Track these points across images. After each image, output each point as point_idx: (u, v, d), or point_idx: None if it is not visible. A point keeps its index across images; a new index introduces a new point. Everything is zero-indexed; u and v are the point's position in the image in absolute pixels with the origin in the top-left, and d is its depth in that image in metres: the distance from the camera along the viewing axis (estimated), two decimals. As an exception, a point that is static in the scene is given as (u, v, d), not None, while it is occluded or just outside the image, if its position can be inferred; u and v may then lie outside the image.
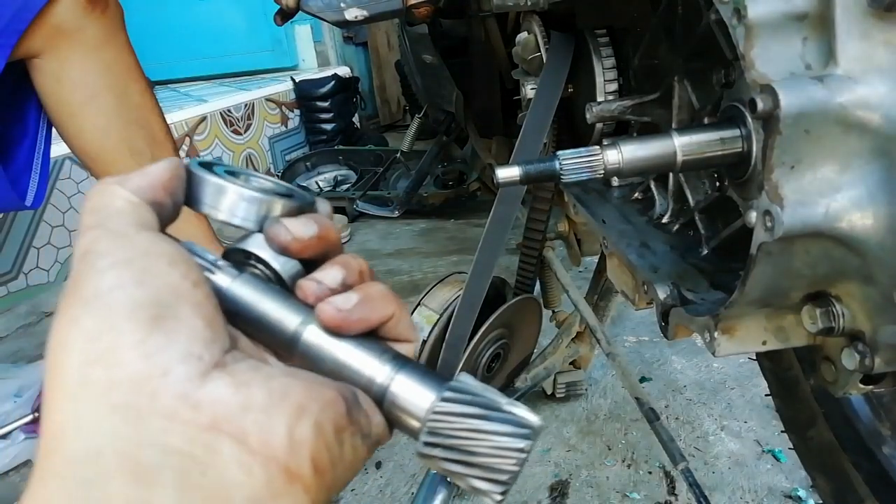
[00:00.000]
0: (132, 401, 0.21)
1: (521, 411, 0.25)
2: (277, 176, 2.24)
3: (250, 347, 0.27)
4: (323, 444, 0.23)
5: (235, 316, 0.27)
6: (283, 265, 0.28)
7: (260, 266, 0.28)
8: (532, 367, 0.95)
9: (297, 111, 2.47)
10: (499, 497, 0.25)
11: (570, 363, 1.02)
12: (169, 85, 2.49)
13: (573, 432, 0.99)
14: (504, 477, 0.24)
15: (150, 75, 1.22)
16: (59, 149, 1.23)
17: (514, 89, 0.88)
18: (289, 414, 0.22)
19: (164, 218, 0.26)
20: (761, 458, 0.91)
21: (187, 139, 1.95)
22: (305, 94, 2.41)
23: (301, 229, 0.27)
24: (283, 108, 2.41)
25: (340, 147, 2.29)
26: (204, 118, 2.01)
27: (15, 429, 1.00)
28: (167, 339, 0.21)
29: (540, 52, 0.69)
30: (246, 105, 2.21)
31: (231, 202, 0.27)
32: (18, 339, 1.37)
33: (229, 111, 2.13)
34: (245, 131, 2.20)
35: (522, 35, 0.71)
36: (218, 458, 0.21)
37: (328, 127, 2.43)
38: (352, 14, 0.66)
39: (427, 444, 0.25)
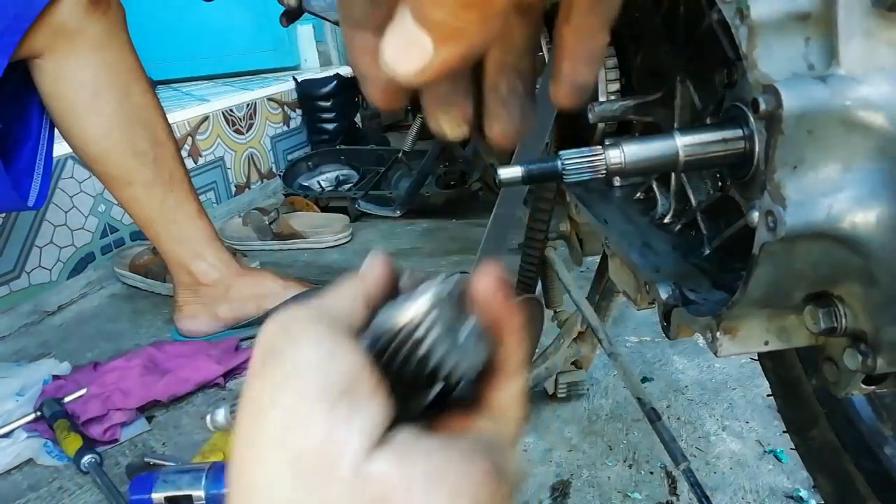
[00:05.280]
0: (316, 468, 0.23)
1: None
2: (279, 175, 2.24)
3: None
4: None
5: None
6: None
7: None
8: (533, 366, 0.95)
9: (298, 111, 2.46)
10: None
11: (572, 363, 1.02)
12: (171, 84, 2.49)
13: (574, 432, 0.99)
14: None
15: (151, 75, 1.22)
16: (61, 148, 1.23)
17: (515, 89, 0.87)
18: (446, 496, 0.24)
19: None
20: (763, 458, 0.91)
21: (189, 139, 1.95)
22: (307, 93, 2.40)
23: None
24: (285, 107, 2.41)
25: (342, 147, 2.28)
26: (206, 118, 2.01)
27: (17, 427, 1.00)
28: (350, 411, 0.24)
29: (542, 51, 0.69)
30: (248, 105, 2.21)
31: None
32: (20, 337, 1.37)
33: (231, 111, 2.13)
34: (247, 131, 2.20)
35: (524, 35, 0.71)
36: None
37: (330, 126, 2.43)
38: (354, 14, 0.66)
39: None
